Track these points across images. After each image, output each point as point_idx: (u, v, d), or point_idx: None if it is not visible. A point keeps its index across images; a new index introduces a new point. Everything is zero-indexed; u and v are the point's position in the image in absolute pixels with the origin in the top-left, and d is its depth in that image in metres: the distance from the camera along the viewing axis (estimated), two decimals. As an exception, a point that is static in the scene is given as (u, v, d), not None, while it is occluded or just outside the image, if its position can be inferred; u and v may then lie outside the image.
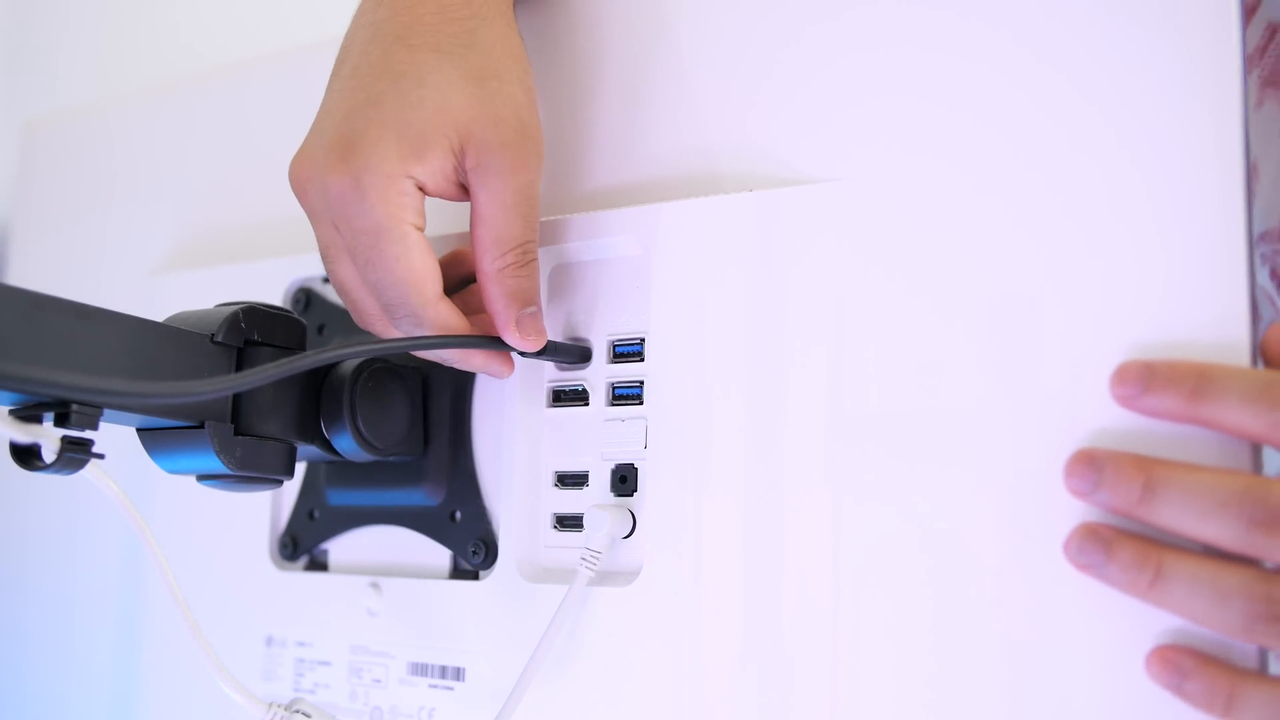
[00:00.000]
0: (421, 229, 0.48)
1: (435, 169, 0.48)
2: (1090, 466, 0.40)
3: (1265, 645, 0.38)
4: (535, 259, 0.50)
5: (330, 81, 0.51)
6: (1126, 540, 0.40)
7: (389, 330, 0.50)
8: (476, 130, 0.48)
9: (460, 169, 0.49)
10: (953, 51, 0.46)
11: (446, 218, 0.55)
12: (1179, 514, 0.38)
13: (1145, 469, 0.39)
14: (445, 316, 0.49)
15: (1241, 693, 0.38)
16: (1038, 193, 0.44)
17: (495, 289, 0.49)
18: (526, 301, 0.49)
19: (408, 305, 0.48)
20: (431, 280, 0.48)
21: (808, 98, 0.50)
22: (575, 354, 0.53)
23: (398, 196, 0.47)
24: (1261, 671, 0.39)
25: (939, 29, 0.47)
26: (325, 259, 0.50)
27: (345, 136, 0.47)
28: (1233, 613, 0.37)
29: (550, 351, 0.51)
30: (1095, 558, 0.40)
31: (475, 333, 0.50)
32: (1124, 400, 0.40)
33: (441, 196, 0.50)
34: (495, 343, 0.50)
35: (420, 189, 0.48)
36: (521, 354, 0.51)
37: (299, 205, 0.50)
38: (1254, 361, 0.40)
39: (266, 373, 0.44)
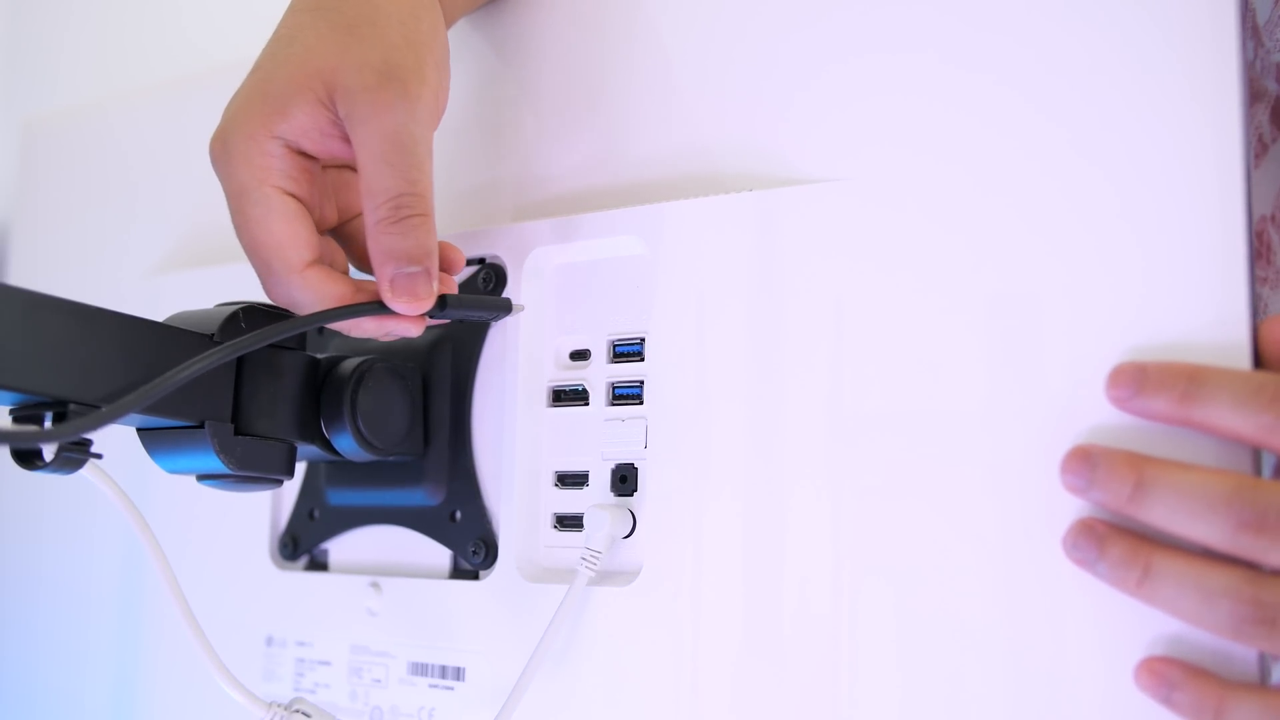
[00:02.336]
0: (292, 194, 0.47)
1: (305, 124, 0.47)
2: (1085, 463, 0.40)
3: (1254, 646, 0.38)
4: (418, 215, 0.45)
5: None
6: (1119, 537, 0.40)
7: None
8: (340, 77, 0.46)
9: (338, 120, 0.47)
10: (953, 53, 0.46)
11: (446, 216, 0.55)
12: (1169, 514, 0.38)
13: (1137, 467, 0.39)
14: (313, 283, 0.46)
15: (1230, 704, 0.38)
16: (1038, 194, 0.44)
17: (372, 245, 0.46)
18: (403, 260, 0.45)
19: (271, 272, 0.47)
20: (294, 246, 0.46)
21: (809, 98, 0.50)
22: (487, 307, 0.50)
23: (260, 157, 0.46)
24: (1262, 676, 0.39)
25: (940, 30, 0.47)
26: None
27: (226, 107, 0.48)
28: (1219, 613, 0.38)
29: (453, 306, 0.48)
30: (1088, 553, 0.40)
31: (358, 296, 0.47)
32: (1118, 402, 0.41)
33: (333, 155, 0.48)
34: (377, 308, 0.47)
35: (295, 150, 0.47)
36: (431, 315, 0.48)
37: None
38: (1255, 362, 0.40)
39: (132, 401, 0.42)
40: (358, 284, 0.48)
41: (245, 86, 0.48)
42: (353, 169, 0.50)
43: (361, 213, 0.50)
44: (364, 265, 0.52)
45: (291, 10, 0.49)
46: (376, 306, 0.47)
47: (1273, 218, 0.53)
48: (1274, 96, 0.55)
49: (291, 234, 0.47)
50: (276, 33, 0.49)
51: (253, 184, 0.46)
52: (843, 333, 0.47)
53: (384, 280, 0.46)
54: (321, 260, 0.48)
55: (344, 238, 0.52)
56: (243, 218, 0.47)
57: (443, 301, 0.48)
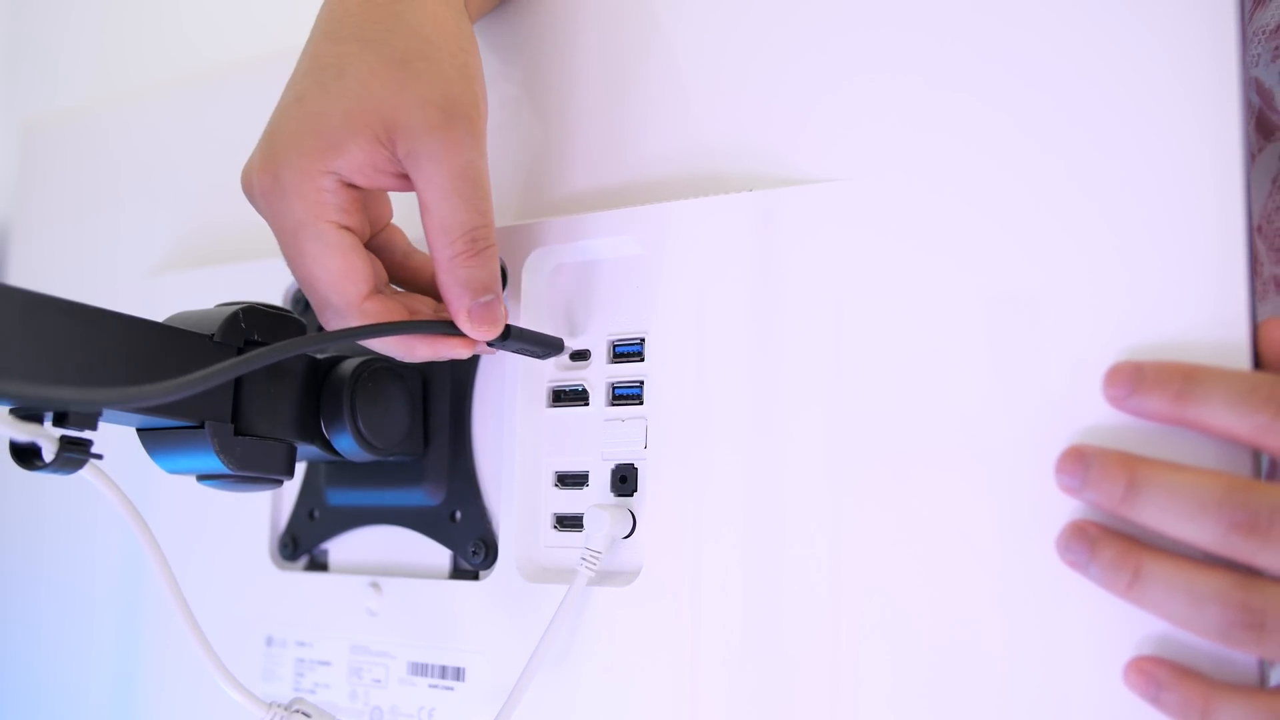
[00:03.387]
0: (346, 227, 0.47)
1: (360, 161, 0.46)
2: (1079, 463, 0.40)
3: (1243, 650, 0.38)
4: (490, 245, 0.47)
5: None
6: (1111, 539, 0.40)
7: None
8: (401, 116, 0.46)
9: (394, 158, 0.47)
10: (954, 54, 0.46)
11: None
12: (1160, 514, 0.39)
13: (1130, 468, 0.39)
14: (372, 315, 0.47)
15: (1217, 704, 0.38)
16: (1038, 193, 0.44)
17: (447, 278, 0.47)
18: (480, 290, 0.47)
19: (330, 305, 0.47)
20: (354, 280, 0.47)
21: (808, 98, 0.50)
22: (541, 343, 0.52)
23: (315, 193, 0.46)
24: (1261, 678, 0.39)
25: (941, 32, 0.47)
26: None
27: (270, 136, 0.47)
28: (1208, 617, 0.38)
29: (514, 338, 0.50)
30: (1080, 555, 0.40)
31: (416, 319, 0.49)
32: (1114, 401, 0.41)
33: (381, 188, 0.48)
34: (448, 327, 0.48)
35: (347, 184, 0.47)
36: (488, 342, 0.50)
37: None
38: (1254, 364, 0.40)
39: (217, 372, 0.41)
40: (412, 309, 0.49)
41: (293, 118, 0.47)
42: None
43: (386, 224, 0.52)
44: (396, 275, 0.52)
45: (331, 38, 0.48)
46: (447, 326, 0.48)
47: (1259, 228, 0.53)
48: (1255, 108, 0.55)
49: (349, 268, 0.47)
50: (318, 60, 0.48)
51: (308, 220, 0.46)
52: (842, 333, 0.47)
53: (461, 310, 0.47)
54: (378, 290, 0.48)
55: (374, 249, 0.52)
56: (298, 253, 0.47)
57: (507, 331, 0.49)
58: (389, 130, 0.46)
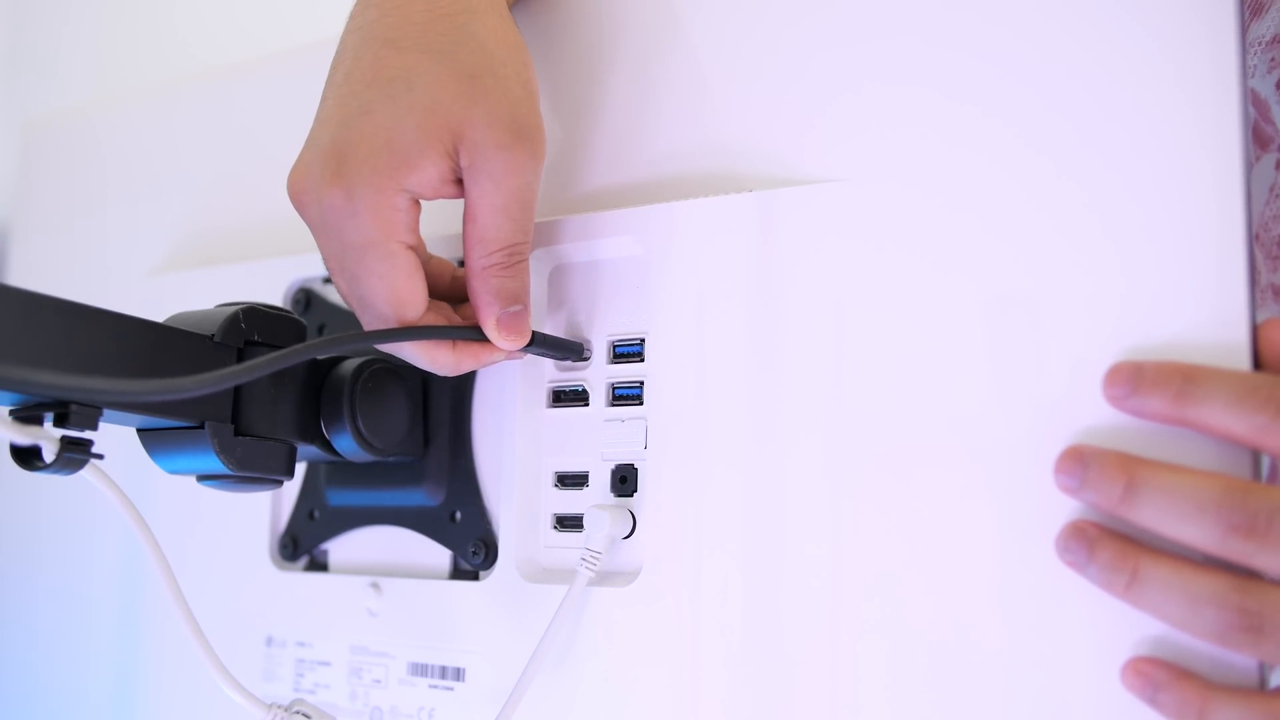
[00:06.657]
0: (412, 246, 0.47)
1: (431, 175, 0.47)
2: (1077, 463, 0.40)
3: (1240, 652, 0.38)
4: (524, 260, 0.49)
5: (325, 88, 0.50)
6: (1109, 540, 0.40)
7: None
8: (469, 131, 0.46)
9: (456, 167, 0.47)
10: (954, 55, 0.46)
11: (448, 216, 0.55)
12: (1158, 515, 0.39)
13: (1128, 469, 0.39)
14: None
15: (1214, 706, 0.38)
16: (1038, 194, 0.44)
17: (479, 285, 0.48)
18: (510, 300, 0.48)
19: (386, 322, 0.48)
20: (413, 303, 0.48)
21: (808, 98, 0.50)
22: (563, 348, 0.53)
23: (389, 212, 0.46)
24: (1261, 680, 0.39)
25: (944, 40, 0.47)
26: (328, 270, 0.49)
27: (339, 149, 0.47)
28: (1205, 620, 0.38)
29: (538, 344, 0.51)
30: (1079, 555, 0.40)
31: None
32: (1114, 401, 0.41)
33: (443, 198, 0.49)
34: (475, 333, 0.49)
35: (416, 201, 0.47)
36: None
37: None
38: (1254, 364, 0.40)
39: (254, 368, 0.43)
40: (448, 318, 0.50)
41: (364, 133, 0.46)
42: None
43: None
44: None
45: (394, 47, 0.48)
46: (474, 332, 0.49)
47: (1256, 237, 0.53)
48: (1251, 119, 0.55)
49: (412, 289, 0.47)
50: (383, 71, 0.47)
51: (379, 239, 0.46)
52: (842, 333, 0.47)
53: (489, 319, 0.48)
54: (430, 308, 0.49)
55: None
56: (364, 271, 0.47)
57: (533, 338, 0.50)
58: (455, 142, 0.46)
